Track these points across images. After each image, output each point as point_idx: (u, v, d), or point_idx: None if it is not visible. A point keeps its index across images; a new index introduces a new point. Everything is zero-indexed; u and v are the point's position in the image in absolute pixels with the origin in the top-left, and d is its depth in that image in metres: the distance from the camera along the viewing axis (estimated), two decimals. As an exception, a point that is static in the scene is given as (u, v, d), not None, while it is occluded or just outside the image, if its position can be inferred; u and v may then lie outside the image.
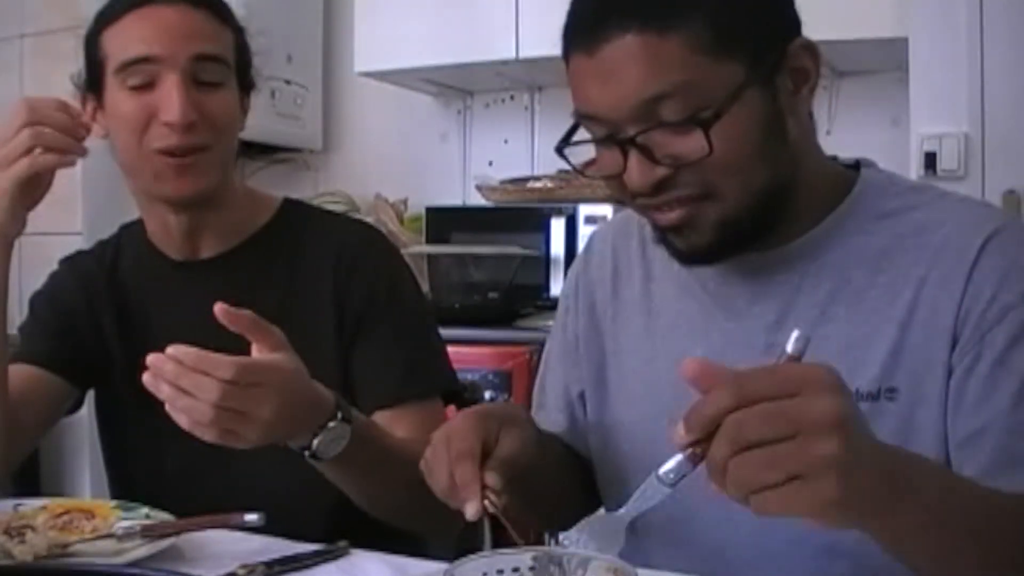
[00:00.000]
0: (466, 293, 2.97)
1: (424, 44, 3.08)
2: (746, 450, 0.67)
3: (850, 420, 0.68)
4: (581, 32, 0.94)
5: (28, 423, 1.29)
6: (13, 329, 1.34)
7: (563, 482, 1.17)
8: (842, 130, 2.84)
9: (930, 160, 2.43)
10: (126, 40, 1.24)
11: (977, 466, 0.91)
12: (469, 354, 2.53)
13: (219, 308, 1.01)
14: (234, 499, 1.08)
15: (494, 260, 2.96)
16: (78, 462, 2.83)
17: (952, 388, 0.94)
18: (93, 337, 1.37)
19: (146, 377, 0.97)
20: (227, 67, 1.28)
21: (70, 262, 1.44)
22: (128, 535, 1.05)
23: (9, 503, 1.15)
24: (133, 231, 1.41)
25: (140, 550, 1.02)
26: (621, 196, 0.99)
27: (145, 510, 1.14)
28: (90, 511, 1.13)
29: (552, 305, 1.58)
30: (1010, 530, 0.82)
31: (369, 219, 2.59)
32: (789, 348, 0.74)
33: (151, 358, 0.97)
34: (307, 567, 1.01)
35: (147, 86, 1.23)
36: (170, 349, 0.97)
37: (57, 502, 1.15)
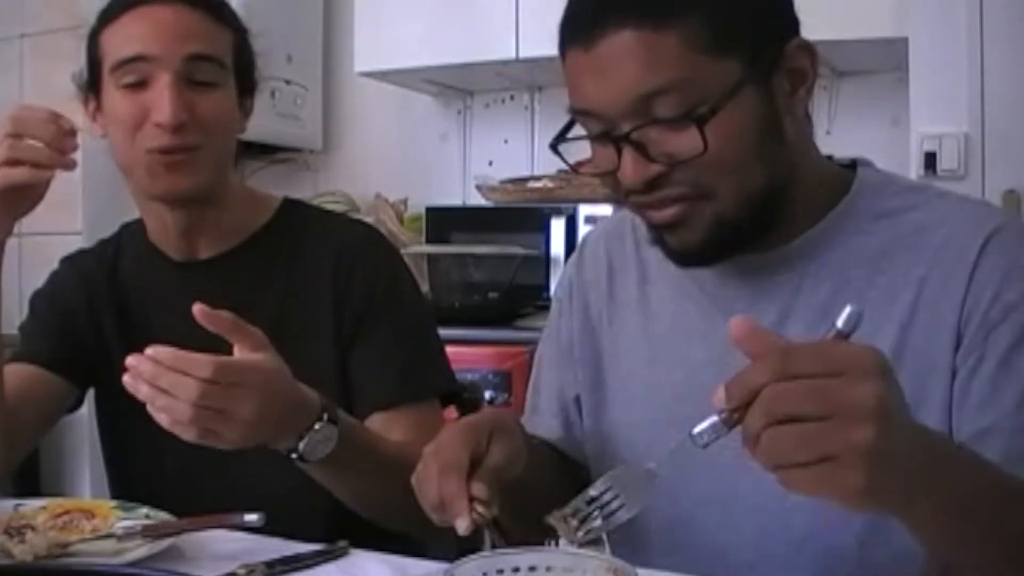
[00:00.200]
0: (466, 293, 2.97)
1: (424, 44, 3.08)
2: (780, 424, 0.67)
3: (889, 409, 0.67)
4: (578, 27, 0.94)
5: (28, 423, 1.29)
6: (13, 329, 1.34)
7: (556, 489, 1.16)
8: (842, 130, 2.85)
9: (930, 160, 2.43)
10: (122, 39, 1.24)
11: None
12: (469, 354, 2.53)
13: (198, 309, 1.01)
14: (234, 499, 1.08)
15: (494, 260, 2.96)
16: (78, 462, 2.83)
17: (956, 389, 0.93)
18: (93, 336, 1.37)
19: (126, 378, 0.98)
20: (222, 67, 1.27)
21: (71, 261, 1.44)
22: (128, 535, 1.05)
23: (9, 503, 1.15)
24: (134, 230, 1.41)
25: (140, 550, 1.02)
26: (615, 193, 0.98)
27: (145, 510, 1.14)
28: (90, 511, 1.13)
29: (552, 305, 1.57)
30: None
31: (369, 219, 2.59)
32: (840, 324, 0.72)
33: (130, 360, 0.97)
34: (307, 567, 1.01)
35: (141, 85, 1.23)
36: (149, 350, 0.97)
37: (57, 502, 1.15)
